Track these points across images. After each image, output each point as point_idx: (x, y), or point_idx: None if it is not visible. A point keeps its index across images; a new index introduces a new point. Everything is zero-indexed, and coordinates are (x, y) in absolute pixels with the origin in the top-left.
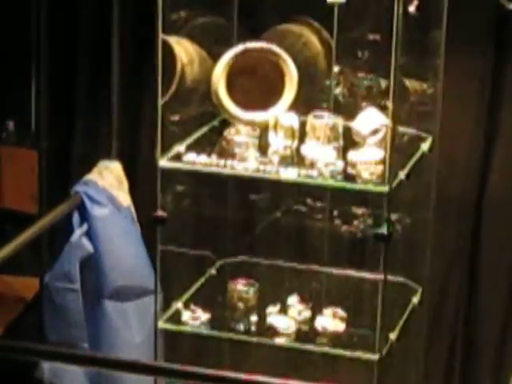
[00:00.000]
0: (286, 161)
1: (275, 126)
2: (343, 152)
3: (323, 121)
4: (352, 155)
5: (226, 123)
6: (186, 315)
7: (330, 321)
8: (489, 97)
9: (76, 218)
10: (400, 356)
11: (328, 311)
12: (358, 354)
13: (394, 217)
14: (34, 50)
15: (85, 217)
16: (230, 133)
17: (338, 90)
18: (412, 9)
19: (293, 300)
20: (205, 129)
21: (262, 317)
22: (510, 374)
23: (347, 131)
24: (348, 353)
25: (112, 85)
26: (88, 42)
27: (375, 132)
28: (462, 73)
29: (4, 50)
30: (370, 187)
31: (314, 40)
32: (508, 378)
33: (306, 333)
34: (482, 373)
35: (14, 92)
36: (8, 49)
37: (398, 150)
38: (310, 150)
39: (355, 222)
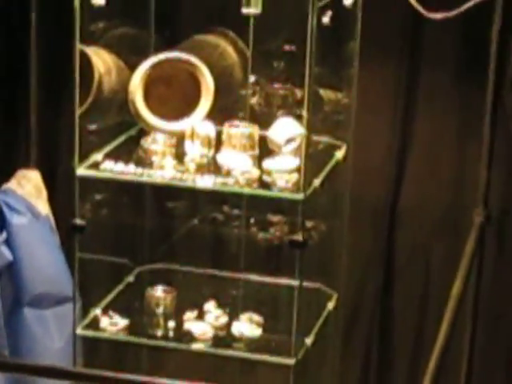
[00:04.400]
0: (202, 169)
1: (192, 135)
2: (259, 160)
3: (239, 130)
4: (267, 163)
5: (143, 132)
6: (104, 322)
7: (247, 326)
8: (402, 106)
9: None
10: (316, 360)
11: (245, 317)
12: (275, 358)
13: (309, 224)
14: None
15: (4, 225)
16: (147, 142)
17: (253, 100)
18: (326, 20)
19: (210, 306)
20: (122, 138)
21: (180, 323)
22: (423, 377)
23: (263, 140)
24: (264, 357)
25: (30, 94)
26: (5, 51)
27: (290, 141)
28: (376, 83)
29: None
30: (286, 195)
31: (230, 50)
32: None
33: (223, 338)
34: (397, 376)
35: None
36: None
37: (313, 158)
38: (226, 158)
39: (271, 230)
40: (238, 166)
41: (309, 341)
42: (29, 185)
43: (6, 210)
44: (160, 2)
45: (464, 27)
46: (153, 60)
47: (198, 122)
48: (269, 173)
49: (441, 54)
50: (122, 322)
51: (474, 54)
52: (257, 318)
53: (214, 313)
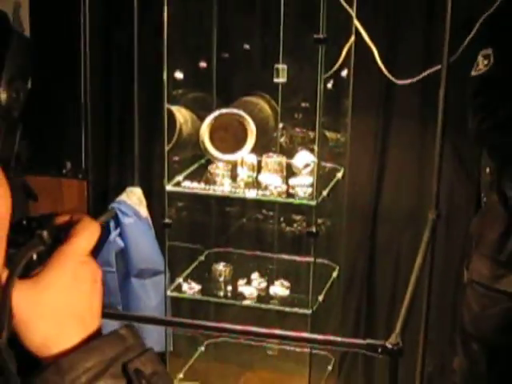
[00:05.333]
0: (248, 185)
1: (241, 163)
2: (286, 179)
3: (272, 159)
4: (292, 181)
5: (209, 161)
6: (185, 287)
7: (279, 289)
8: (380, 143)
9: (112, 224)
10: (325, 311)
11: (278, 282)
12: (297, 310)
13: (319, 221)
14: (83, 110)
15: (118, 224)
16: (212, 167)
17: (282, 139)
18: (329, 85)
19: (255, 276)
20: (196, 165)
21: (235, 287)
22: (397, 319)
23: (288, 166)
24: (291, 309)
25: (134, 137)
26: (118, 110)
27: (306, 166)
28: (363, 128)
29: (59, 105)
30: (304, 201)
31: (266, 107)
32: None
33: (264, 297)
34: (379, 321)
35: (69, 141)
36: (62, 103)
37: (321, 177)
38: (264, 178)
39: (294, 225)
40: (273, 183)
41: (320, 298)
42: (134, 197)
43: (119, 214)
44: (219, 76)
45: (424, 88)
46: (215, 114)
47: (245, 155)
48: (293, 187)
49: (407, 107)
50: (197, 287)
51: (430, 107)
52: (286, 283)
53: (257, 280)
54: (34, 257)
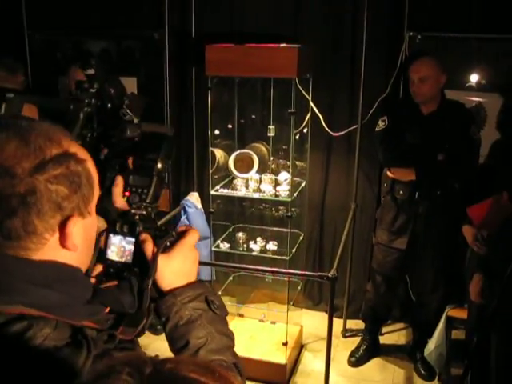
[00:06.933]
0: (255, 190)
1: (251, 178)
2: (275, 187)
3: (267, 176)
4: (278, 188)
5: (233, 178)
6: (221, 246)
7: (271, 246)
8: (325, 167)
9: (182, 213)
10: (297, 258)
11: (271, 242)
12: (281, 257)
13: (293, 209)
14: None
15: (185, 212)
16: (235, 180)
17: (272, 166)
18: (297, 137)
19: (258, 239)
20: (226, 180)
21: (248, 245)
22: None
23: (276, 180)
24: (277, 257)
25: (194, 166)
26: (186, 149)
27: (285, 180)
28: (316, 159)
29: None
30: (284, 199)
31: (263, 148)
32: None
33: (263, 250)
34: (326, 262)
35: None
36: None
37: (293, 186)
38: (263, 186)
39: (279, 212)
40: (268, 189)
41: (293, 251)
42: (194, 197)
43: (186, 206)
44: (238, 132)
45: (348, 137)
46: (236, 153)
47: (253, 174)
48: (278, 191)
49: (339, 148)
50: (227, 245)
51: (352, 147)
52: (275, 243)
53: (259, 242)
54: (168, 243)
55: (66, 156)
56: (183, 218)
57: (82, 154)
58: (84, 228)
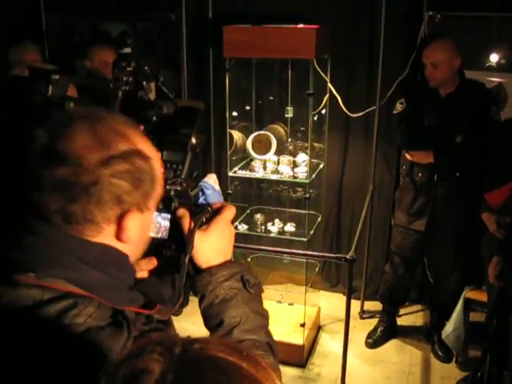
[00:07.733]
0: (273, 172)
1: (269, 160)
2: (293, 169)
3: (285, 158)
4: (296, 169)
5: (251, 160)
6: (239, 227)
7: (290, 227)
8: (343, 149)
9: (200, 194)
10: (315, 239)
11: (288, 224)
12: (299, 238)
13: (310, 191)
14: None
15: (203, 193)
16: (253, 162)
17: (290, 147)
18: (315, 118)
19: (276, 221)
20: (244, 162)
21: (265, 227)
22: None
23: (294, 161)
24: (295, 238)
25: (211, 149)
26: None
27: (303, 161)
28: (334, 141)
29: None
30: (302, 180)
31: (281, 130)
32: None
33: (281, 232)
34: (344, 242)
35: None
36: None
37: (311, 167)
38: (281, 168)
39: (297, 193)
40: (286, 171)
41: (311, 232)
42: (212, 179)
43: (204, 188)
44: (256, 114)
45: (366, 119)
46: (254, 134)
47: (270, 156)
48: (296, 173)
49: (357, 129)
50: (246, 227)
51: (370, 129)
52: (293, 224)
53: (277, 223)
54: (204, 220)
55: (132, 152)
56: (201, 199)
57: (149, 150)
58: (141, 223)
